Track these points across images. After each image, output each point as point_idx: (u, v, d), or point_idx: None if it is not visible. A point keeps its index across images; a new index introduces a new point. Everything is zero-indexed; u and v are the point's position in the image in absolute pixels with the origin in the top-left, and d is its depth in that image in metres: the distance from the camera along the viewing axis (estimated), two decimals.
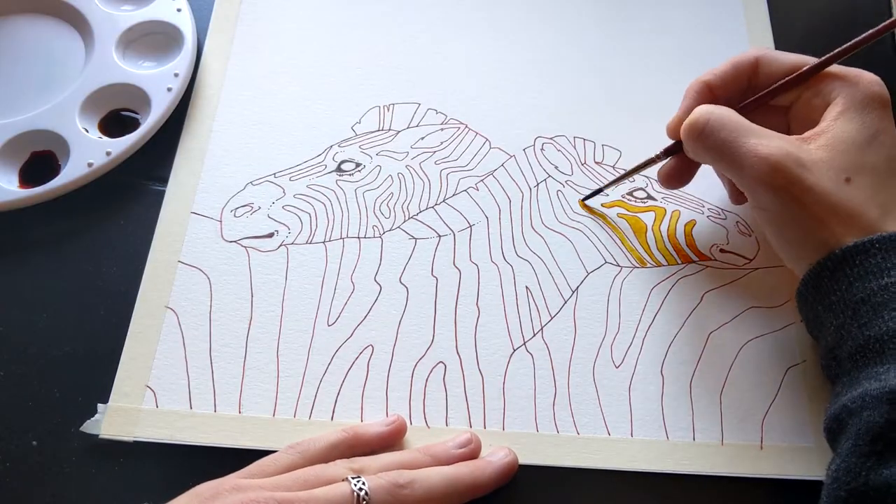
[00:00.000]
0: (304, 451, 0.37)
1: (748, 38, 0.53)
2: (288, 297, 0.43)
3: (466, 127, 0.49)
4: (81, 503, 0.38)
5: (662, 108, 0.50)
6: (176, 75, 0.48)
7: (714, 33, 0.54)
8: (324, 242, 0.45)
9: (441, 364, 0.42)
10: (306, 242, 0.45)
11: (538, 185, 0.47)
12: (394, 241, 0.45)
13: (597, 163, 0.48)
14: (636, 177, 0.47)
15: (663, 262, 0.45)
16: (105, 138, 0.47)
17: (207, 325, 0.42)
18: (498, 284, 0.44)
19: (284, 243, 0.45)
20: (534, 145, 0.49)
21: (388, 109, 0.50)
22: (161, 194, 0.46)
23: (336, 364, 0.41)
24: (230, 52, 0.52)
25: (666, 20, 0.54)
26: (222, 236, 0.45)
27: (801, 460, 0.39)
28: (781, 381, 0.41)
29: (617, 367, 0.42)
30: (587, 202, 0.47)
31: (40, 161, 0.47)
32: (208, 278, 0.43)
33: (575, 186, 0.47)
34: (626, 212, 0.46)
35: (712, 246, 0.45)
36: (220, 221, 0.45)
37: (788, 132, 0.40)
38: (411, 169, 0.47)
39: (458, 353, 0.42)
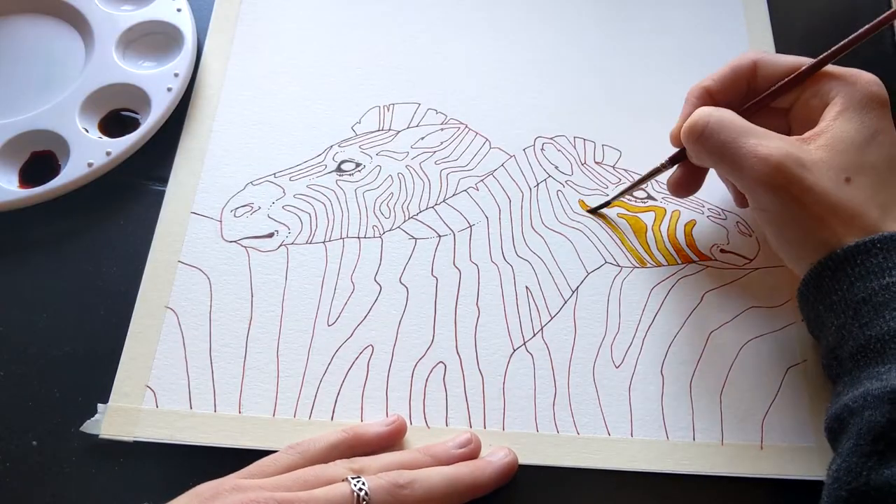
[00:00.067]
0: (304, 452, 0.37)
1: (748, 38, 0.53)
2: (288, 297, 0.43)
3: (466, 127, 0.49)
4: (81, 503, 0.38)
5: (662, 108, 0.50)
6: (176, 75, 0.48)
7: (714, 33, 0.54)
8: (324, 242, 0.45)
9: (441, 364, 0.42)
10: (306, 242, 0.45)
11: (538, 185, 0.47)
12: (394, 241, 0.45)
13: (597, 163, 0.48)
14: (636, 177, 0.47)
15: (663, 262, 0.45)
16: (105, 138, 0.47)
17: (207, 325, 0.42)
18: (498, 284, 0.44)
19: (284, 243, 0.45)
20: (534, 145, 0.49)
21: (388, 109, 0.50)
22: (161, 194, 0.46)
23: (336, 364, 0.41)
24: (230, 52, 0.52)
25: (666, 20, 0.54)
26: (222, 236, 0.45)
27: (802, 460, 0.39)
28: (782, 381, 0.41)
29: (617, 367, 0.42)
30: (596, 211, 0.46)
31: (40, 161, 0.47)
32: (208, 278, 0.43)
33: (575, 186, 0.47)
34: (626, 212, 0.46)
35: (712, 246, 0.45)
36: (220, 221, 0.45)
37: (789, 134, 0.40)
38: (411, 169, 0.47)
39: (458, 353, 0.42)
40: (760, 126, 0.39)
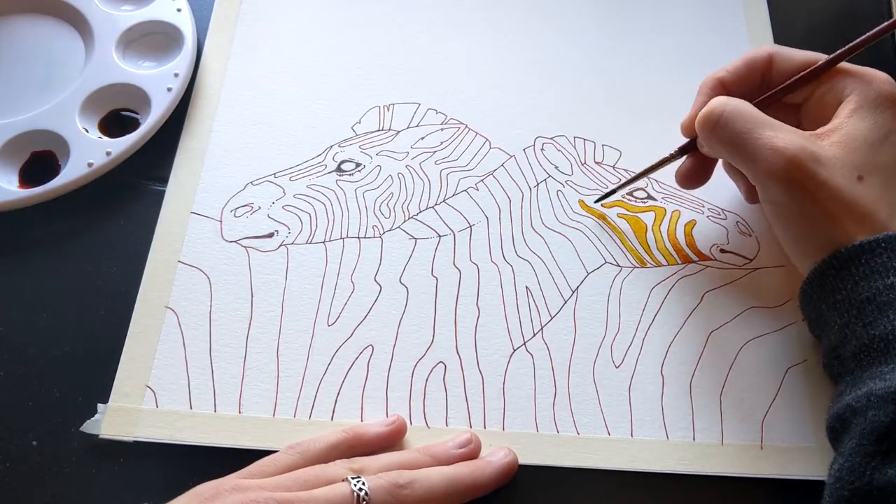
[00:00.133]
0: (304, 452, 0.37)
1: (748, 38, 0.53)
2: (288, 297, 0.43)
3: (466, 127, 0.49)
4: (81, 503, 0.38)
5: (662, 108, 0.50)
6: (176, 75, 0.48)
7: (714, 33, 0.54)
8: (324, 242, 0.45)
9: (441, 364, 0.42)
10: (306, 242, 0.45)
11: (538, 185, 0.47)
12: (394, 241, 0.45)
13: (597, 163, 0.48)
14: None
15: (663, 262, 0.45)
16: (105, 138, 0.47)
17: (207, 325, 0.42)
18: (498, 284, 0.44)
19: (284, 243, 0.45)
20: (534, 145, 0.49)
21: (388, 109, 0.50)
22: (161, 194, 0.46)
23: (336, 364, 0.41)
24: (230, 52, 0.52)
25: (666, 20, 0.54)
26: (222, 236, 0.45)
27: (802, 460, 0.39)
28: (782, 381, 0.41)
29: (617, 367, 0.42)
30: (599, 203, 0.46)
31: (40, 161, 0.47)
32: (208, 278, 0.43)
33: (575, 186, 0.47)
34: (626, 212, 0.46)
35: (712, 246, 0.45)
36: (220, 221, 0.45)
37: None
38: (411, 169, 0.47)
39: (458, 353, 0.42)
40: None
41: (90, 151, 0.46)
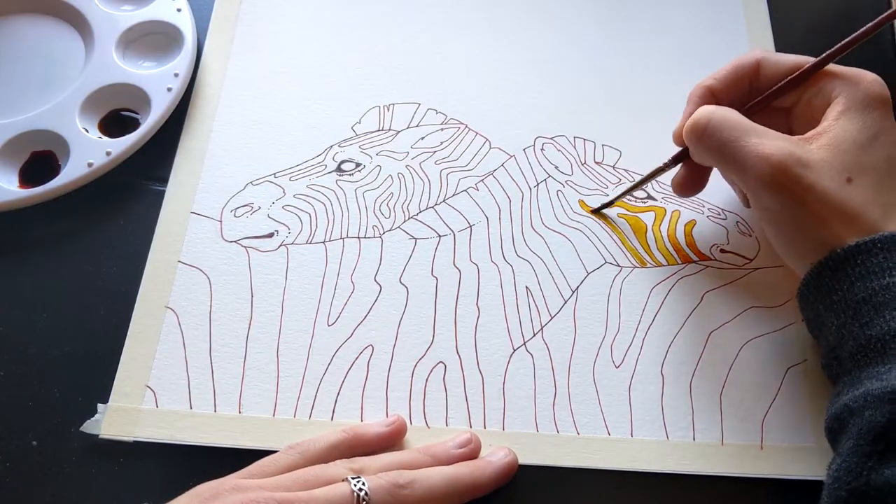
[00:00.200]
0: (304, 452, 0.37)
1: (748, 38, 0.53)
2: (288, 297, 0.43)
3: (466, 127, 0.49)
4: (81, 503, 0.38)
5: (662, 108, 0.50)
6: (176, 75, 0.48)
7: (714, 33, 0.54)
8: (324, 242, 0.45)
9: (441, 364, 0.42)
10: (306, 242, 0.45)
11: (538, 185, 0.47)
12: (394, 241, 0.45)
13: (597, 163, 0.48)
14: (636, 177, 0.47)
15: (663, 262, 0.45)
16: (105, 138, 0.47)
17: (207, 325, 0.42)
18: (498, 284, 0.44)
19: (284, 243, 0.45)
20: (534, 145, 0.49)
21: (388, 109, 0.50)
22: (161, 194, 0.46)
23: (336, 364, 0.41)
24: (230, 52, 0.52)
25: (666, 20, 0.54)
26: (222, 236, 0.45)
27: (802, 460, 0.39)
28: (782, 381, 0.41)
29: (617, 367, 0.42)
30: (598, 211, 0.46)
31: (40, 161, 0.47)
32: (208, 278, 0.43)
33: (575, 186, 0.47)
34: (626, 212, 0.46)
35: (712, 246, 0.45)
36: (220, 221, 0.45)
37: (791, 134, 0.40)
38: (411, 169, 0.47)
39: (458, 353, 0.42)
40: (762, 126, 0.39)
41: (90, 151, 0.46)
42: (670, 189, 0.47)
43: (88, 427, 0.39)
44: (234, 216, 0.45)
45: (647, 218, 0.46)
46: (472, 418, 0.40)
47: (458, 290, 0.44)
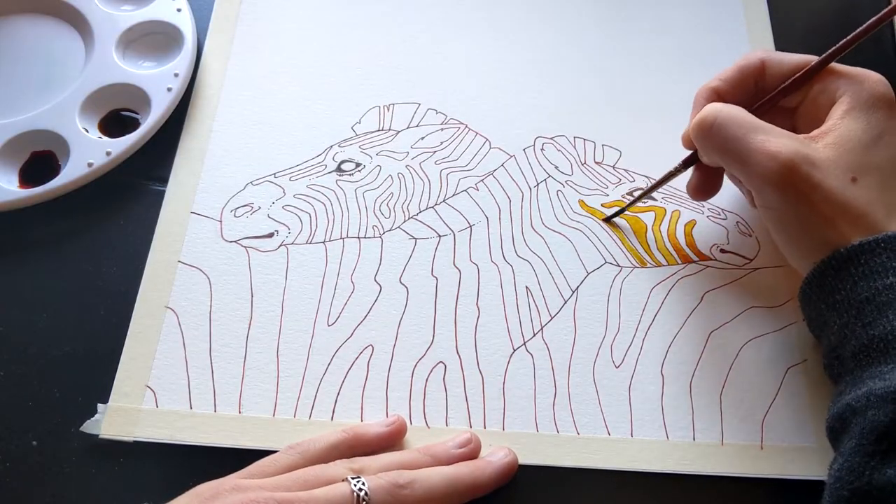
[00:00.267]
0: (304, 452, 0.37)
1: (748, 38, 0.53)
2: (288, 297, 0.43)
3: (466, 127, 0.49)
4: (81, 503, 0.38)
5: (662, 108, 0.50)
6: (176, 75, 0.48)
7: (714, 33, 0.54)
8: (324, 242, 0.45)
9: (441, 364, 0.42)
10: (306, 242, 0.45)
11: (538, 185, 0.47)
12: (394, 241, 0.45)
13: (597, 163, 0.48)
14: (636, 177, 0.47)
15: (663, 262, 0.45)
16: (105, 138, 0.47)
17: (207, 325, 0.42)
18: (498, 284, 0.44)
19: (284, 243, 0.45)
20: (534, 145, 0.49)
21: (388, 109, 0.50)
22: (161, 194, 0.46)
23: (336, 364, 0.41)
24: (230, 52, 0.52)
25: (666, 20, 0.54)
26: (222, 236, 0.45)
27: (802, 460, 0.39)
28: (782, 381, 0.41)
29: (617, 367, 0.42)
30: (612, 217, 0.46)
31: (40, 161, 0.47)
32: (208, 278, 0.43)
33: (575, 186, 0.47)
34: (627, 211, 0.46)
35: (712, 246, 0.45)
36: (220, 221, 0.45)
37: (795, 133, 0.40)
38: (411, 169, 0.47)
39: (458, 353, 0.42)
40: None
41: (90, 151, 0.46)
42: (670, 189, 0.47)
43: (88, 427, 0.39)
44: (234, 216, 0.45)
45: (647, 218, 0.46)
46: (472, 418, 0.40)
47: (458, 290, 0.44)
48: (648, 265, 0.45)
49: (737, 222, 0.46)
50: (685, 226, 0.46)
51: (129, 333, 0.41)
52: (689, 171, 0.44)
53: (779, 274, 0.44)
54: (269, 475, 0.35)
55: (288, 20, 0.53)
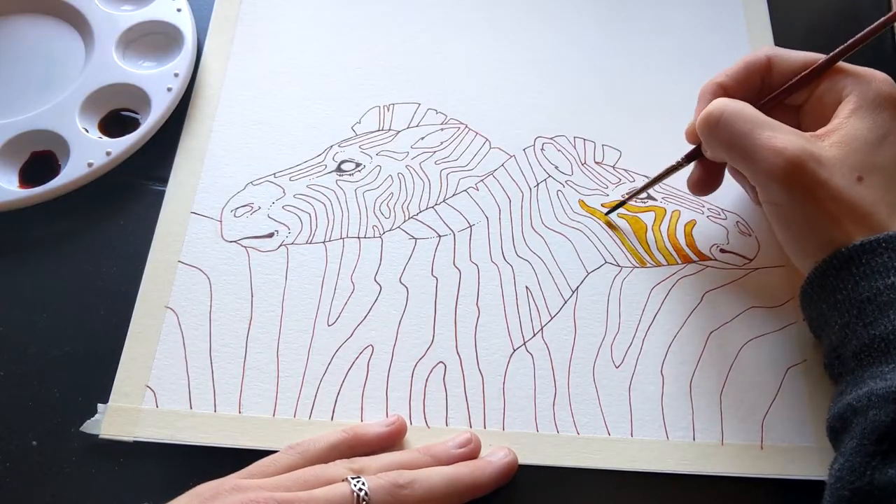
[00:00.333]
0: (304, 452, 0.37)
1: (748, 38, 0.53)
2: (288, 297, 0.43)
3: (466, 127, 0.49)
4: (81, 503, 0.38)
5: (662, 108, 0.50)
6: (176, 75, 0.48)
7: (714, 33, 0.54)
8: (324, 242, 0.45)
9: (441, 364, 0.42)
10: (306, 242, 0.45)
11: (538, 185, 0.47)
12: (394, 241, 0.45)
13: (597, 163, 0.48)
14: (636, 177, 0.47)
15: (663, 262, 0.45)
16: (105, 138, 0.47)
17: (207, 325, 0.42)
18: (498, 284, 0.44)
19: (284, 243, 0.45)
20: (534, 145, 0.49)
21: (388, 109, 0.50)
22: (161, 194, 0.46)
23: (336, 364, 0.41)
24: (230, 52, 0.52)
25: (666, 20, 0.54)
26: (222, 236, 0.45)
27: (802, 460, 0.39)
28: (782, 381, 0.41)
29: (617, 367, 0.42)
30: (610, 214, 0.46)
31: (40, 161, 0.47)
32: (208, 278, 0.43)
33: (575, 186, 0.47)
34: (626, 212, 0.46)
35: (712, 246, 0.45)
36: (220, 221, 0.45)
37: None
38: (411, 169, 0.47)
39: (458, 353, 0.42)
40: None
41: (90, 151, 0.46)
42: (670, 189, 0.47)
43: (88, 427, 0.39)
44: (234, 216, 0.45)
45: (647, 218, 0.46)
46: (472, 418, 0.40)
47: (458, 290, 0.44)
48: (648, 265, 0.45)
49: (737, 222, 0.46)
50: (685, 226, 0.46)
51: (129, 333, 0.41)
52: (691, 167, 0.44)
53: (779, 274, 0.44)
54: (269, 475, 0.35)
55: (288, 20, 0.53)
